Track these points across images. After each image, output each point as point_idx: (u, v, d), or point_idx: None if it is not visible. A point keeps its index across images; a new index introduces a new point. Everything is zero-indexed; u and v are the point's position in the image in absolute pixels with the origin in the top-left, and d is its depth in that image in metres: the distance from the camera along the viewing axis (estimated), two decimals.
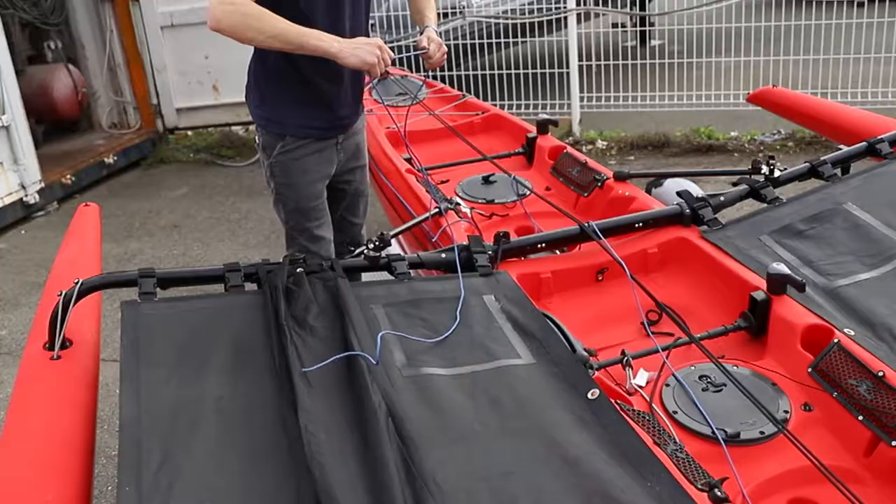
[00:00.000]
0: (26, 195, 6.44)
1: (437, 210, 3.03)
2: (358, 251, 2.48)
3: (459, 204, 3.09)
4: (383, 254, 2.33)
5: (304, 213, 2.86)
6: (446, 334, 1.98)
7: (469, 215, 3.06)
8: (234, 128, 7.83)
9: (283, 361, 1.80)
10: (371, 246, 2.34)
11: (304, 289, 2.04)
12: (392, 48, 2.65)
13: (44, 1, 7.49)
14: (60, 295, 2.03)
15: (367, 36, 2.70)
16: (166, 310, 1.99)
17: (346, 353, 1.83)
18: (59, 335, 1.98)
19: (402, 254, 2.38)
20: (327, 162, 2.82)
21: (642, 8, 7.89)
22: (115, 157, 7.42)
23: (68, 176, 6.90)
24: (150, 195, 6.87)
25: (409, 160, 3.70)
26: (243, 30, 2.39)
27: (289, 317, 1.94)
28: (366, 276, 2.39)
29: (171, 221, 6.18)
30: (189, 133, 8.11)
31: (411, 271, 2.30)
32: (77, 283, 2.06)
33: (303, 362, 1.79)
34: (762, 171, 2.80)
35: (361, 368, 1.77)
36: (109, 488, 3.18)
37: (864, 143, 2.93)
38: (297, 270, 2.11)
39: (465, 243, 2.42)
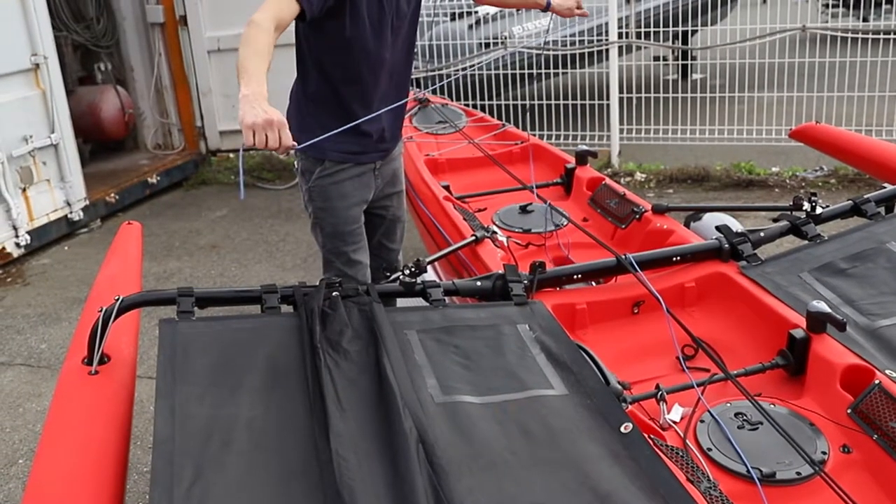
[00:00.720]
0: (71, 212, 6.56)
1: (473, 238, 3.03)
2: (394, 277, 2.50)
3: (496, 233, 3.10)
4: (419, 280, 2.34)
5: (341, 238, 2.89)
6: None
7: (505, 244, 3.07)
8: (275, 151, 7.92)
9: (316, 384, 1.81)
10: (407, 272, 2.36)
11: (340, 312, 2.05)
12: (434, 76, 2.68)
13: (96, 24, 7.68)
14: (101, 311, 2.05)
15: (409, 65, 2.71)
16: (203, 329, 2.01)
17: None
18: (98, 351, 2.00)
19: (438, 280, 2.38)
20: (365, 187, 2.84)
21: (684, 42, 7.88)
22: (159, 178, 7.54)
23: (112, 194, 7.02)
24: (190, 215, 6.96)
25: (447, 188, 3.72)
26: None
27: (323, 339, 1.95)
28: (401, 302, 2.39)
29: (210, 242, 6.25)
30: (231, 155, 8.22)
31: (446, 298, 2.31)
32: (117, 299, 2.08)
33: (335, 385, 1.80)
34: (804, 208, 2.77)
35: (394, 393, 1.77)
36: None
37: None
38: (333, 294, 2.12)
39: (500, 272, 2.42)
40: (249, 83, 2.22)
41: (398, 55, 2.73)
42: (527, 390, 1.88)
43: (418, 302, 2.31)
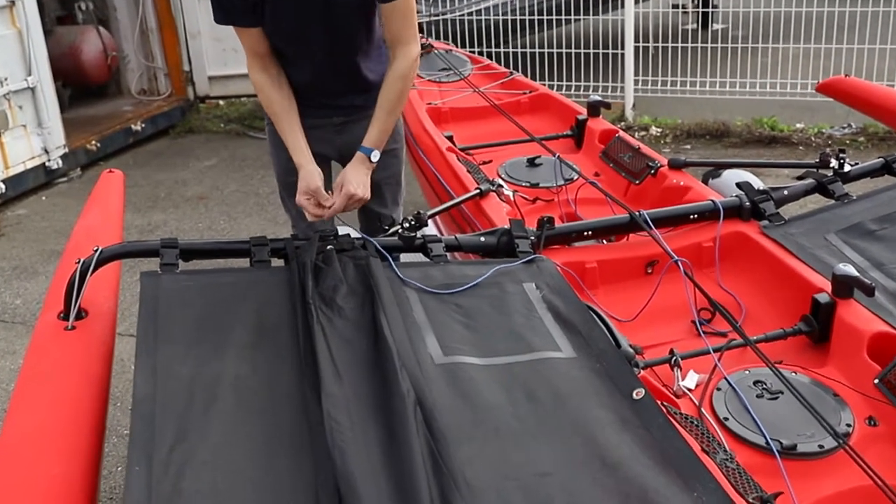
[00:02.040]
0: (49, 160, 6.51)
1: (477, 191, 3.02)
2: (392, 230, 2.50)
3: (502, 186, 3.09)
4: (419, 234, 2.34)
5: (285, 188, 2.94)
6: (465, 286, 2.10)
7: (512, 198, 3.06)
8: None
9: (308, 342, 1.80)
10: (406, 225, 2.35)
11: (334, 267, 2.05)
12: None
13: None
14: (78, 262, 2.04)
15: (354, 54, 2.71)
16: (187, 282, 2.00)
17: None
18: (75, 305, 1.98)
19: (440, 235, 2.37)
20: (318, 141, 2.83)
21: None
22: (143, 125, 7.49)
23: (93, 142, 6.97)
24: (176, 165, 6.92)
25: (450, 138, 3.69)
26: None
27: (316, 295, 1.94)
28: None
29: (197, 193, 6.22)
30: (221, 102, 8.16)
31: (448, 254, 2.30)
32: (96, 250, 2.06)
33: (329, 343, 1.79)
34: (831, 165, 2.75)
35: (391, 353, 1.76)
36: (119, 468, 3.21)
37: None
38: (328, 248, 2.12)
39: (506, 227, 2.42)
40: (298, 153, 2.70)
41: (338, 50, 2.70)
42: (532, 352, 1.88)
43: (419, 258, 2.31)
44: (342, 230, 2.29)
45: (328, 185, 2.79)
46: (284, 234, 2.36)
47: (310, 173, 2.63)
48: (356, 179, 2.63)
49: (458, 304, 2.05)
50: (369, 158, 2.65)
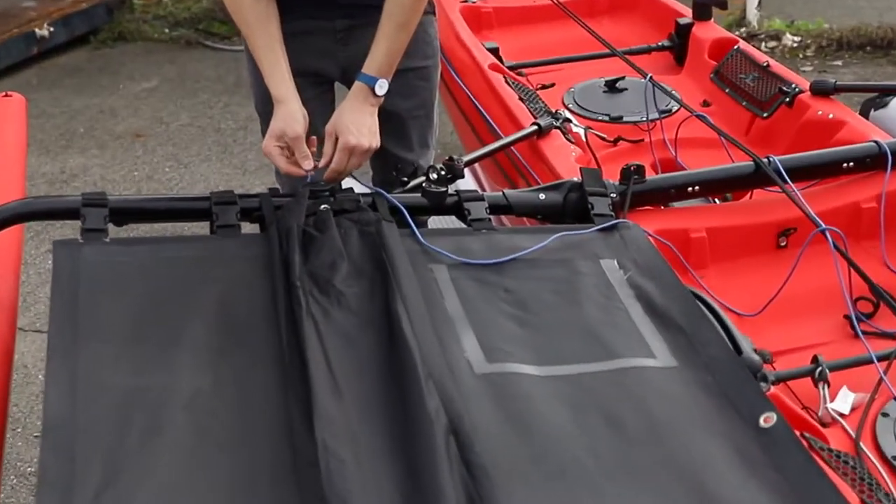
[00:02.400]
0: None
1: (534, 128, 3.02)
2: (413, 183, 2.52)
3: (570, 121, 3.08)
4: (451, 189, 2.35)
5: (264, 119, 2.93)
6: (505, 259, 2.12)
7: (583, 138, 3.06)
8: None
9: (294, 343, 1.81)
10: (435, 177, 2.36)
11: (331, 235, 2.08)
12: None
13: None
14: None
15: None
16: (121, 256, 2.03)
17: None
18: None
19: (480, 191, 2.38)
20: (313, 53, 2.82)
21: None
22: (52, 28, 7.49)
23: None
24: (102, 87, 6.95)
25: (494, 52, 3.69)
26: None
27: (306, 276, 1.96)
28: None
29: (132, 128, 6.26)
30: None
31: (492, 218, 2.32)
32: None
33: (324, 345, 1.81)
34: None
35: (412, 359, 1.77)
36: None
37: None
38: (322, 207, 2.15)
39: (575, 179, 2.43)
40: (271, 86, 2.68)
41: None
42: (614, 359, 1.89)
43: (451, 223, 2.34)
44: (344, 183, 2.29)
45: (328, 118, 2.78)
46: (258, 189, 2.39)
47: (289, 113, 2.57)
48: (356, 123, 2.57)
49: (507, 288, 2.07)
50: (373, 91, 2.62)
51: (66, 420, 1.64)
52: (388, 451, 1.63)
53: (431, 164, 2.48)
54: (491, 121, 3.37)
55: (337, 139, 2.54)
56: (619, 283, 2.10)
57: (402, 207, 2.24)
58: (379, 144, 2.61)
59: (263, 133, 2.96)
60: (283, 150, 2.54)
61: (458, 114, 3.87)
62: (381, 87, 2.61)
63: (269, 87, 2.65)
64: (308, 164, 2.48)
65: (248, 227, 2.24)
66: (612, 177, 2.51)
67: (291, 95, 2.62)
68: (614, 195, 2.44)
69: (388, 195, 2.26)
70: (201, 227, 2.22)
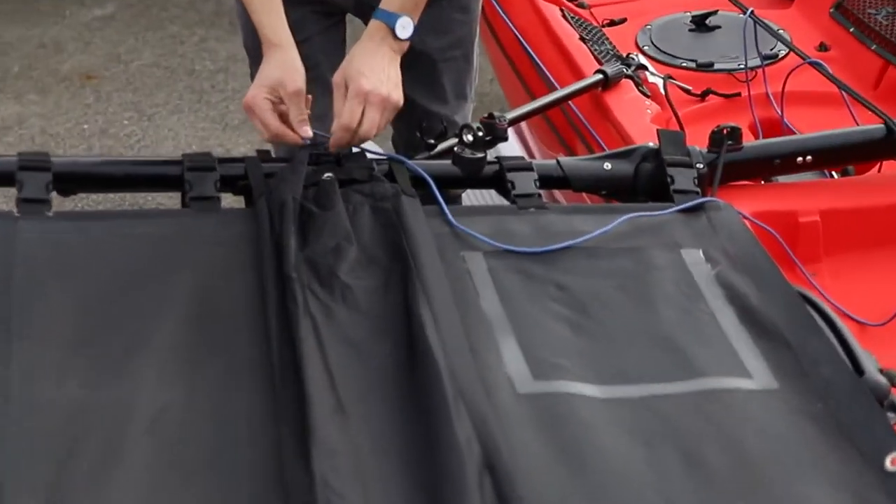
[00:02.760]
0: None
1: (599, 77, 3.05)
2: (443, 146, 2.55)
3: (645, 67, 3.12)
4: (491, 155, 2.36)
5: (256, 62, 2.93)
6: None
7: (662, 90, 3.08)
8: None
9: (287, 350, 1.82)
10: (470, 138, 2.37)
11: (336, 212, 2.10)
12: None
13: None
14: None
15: None
16: (68, 235, 2.05)
17: None
18: None
19: (528, 159, 2.40)
20: None
21: None
22: None
23: None
24: (42, 15, 6.94)
25: None
26: None
27: (303, 264, 1.98)
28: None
29: (81, 68, 6.27)
30: None
31: (542, 193, 2.34)
32: None
33: (324, 352, 1.82)
34: None
35: (437, 373, 1.78)
36: None
37: None
38: (325, 176, 2.18)
39: (651, 145, 2.44)
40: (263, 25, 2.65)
41: None
42: (697, 378, 1.89)
43: (490, 199, 2.37)
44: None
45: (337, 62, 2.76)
46: (242, 149, 2.40)
47: (288, 60, 2.53)
48: (372, 68, 2.52)
49: (560, 284, 2.08)
50: (393, 32, 2.61)
51: None
52: (405, 490, 1.63)
53: (468, 122, 2.45)
54: (543, 67, 3.37)
55: (348, 88, 2.49)
56: (706, 280, 2.10)
57: (427, 177, 2.25)
58: (402, 99, 2.56)
59: (253, 78, 2.97)
60: (274, 106, 2.49)
61: (500, 57, 3.85)
62: (404, 28, 2.57)
63: (258, 27, 2.63)
64: (307, 130, 2.44)
65: (230, 201, 2.26)
66: (698, 142, 2.50)
67: (285, 38, 2.61)
68: (701, 166, 2.42)
69: (410, 161, 2.27)
70: (170, 199, 2.22)
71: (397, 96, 2.54)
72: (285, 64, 2.53)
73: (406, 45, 2.61)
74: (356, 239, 2.06)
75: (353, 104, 2.46)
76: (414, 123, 2.87)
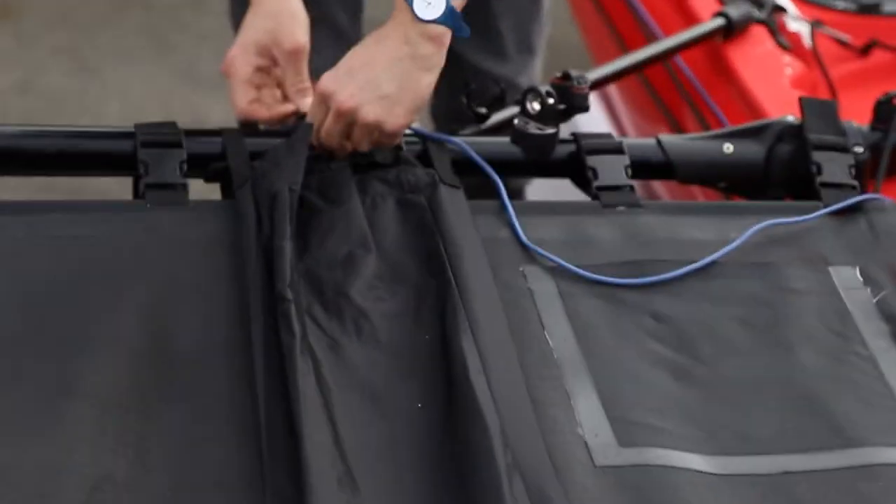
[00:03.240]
0: None
1: (720, 22, 3.06)
2: (499, 118, 2.55)
3: (782, 9, 3.14)
4: (566, 131, 2.38)
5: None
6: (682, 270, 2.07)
7: (807, 41, 3.09)
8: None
9: (277, 397, 1.82)
10: (536, 107, 2.37)
11: (350, 208, 2.10)
12: None
13: None
14: None
15: None
16: None
17: None
18: None
19: (617, 137, 2.42)
20: None
21: None
22: None
23: None
24: None
25: None
26: None
27: (302, 279, 1.98)
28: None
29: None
30: None
31: (634, 184, 2.35)
32: None
33: (329, 402, 1.82)
34: None
35: (485, 436, 1.78)
36: None
37: None
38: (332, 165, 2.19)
39: (790, 119, 2.45)
40: None
41: None
42: (854, 447, 1.89)
43: (561, 193, 2.37)
44: None
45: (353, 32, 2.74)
46: (218, 115, 2.40)
47: (286, 8, 2.49)
48: (368, 72, 2.34)
49: (657, 313, 2.09)
50: (412, 11, 2.49)
51: None
52: None
53: (534, 84, 2.44)
54: (640, 7, 3.38)
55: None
56: (864, 310, 2.11)
57: (479, 159, 2.26)
58: (409, 122, 2.41)
59: (236, 16, 3.00)
60: (262, 71, 2.47)
61: (588, 5, 3.88)
62: (429, 4, 2.36)
63: None
64: (304, 101, 2.42)
65: (200, 190, 2.26)
66: (857, 116, 2.50)
67: None
68: (861, 150, 2.43)
69: (454, 139, 2.29)
70: (117, 186, 2.21)
71: (397, 120, 2.33)
72: (282, 13, 2.50)
73: (436, 33, 2.35)
74: (376, 245, 2.07)
75: (332, 122, 2.36)
76: (460, 85, 2.78)
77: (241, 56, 2.45)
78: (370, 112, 2.27)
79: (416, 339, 1.95)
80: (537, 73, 2.99)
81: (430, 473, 1.77)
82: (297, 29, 2.45)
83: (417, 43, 2.32)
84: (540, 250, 2.13)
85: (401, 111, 2.29)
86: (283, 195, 2.07)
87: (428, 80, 2.34)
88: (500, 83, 2.79)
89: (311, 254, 2.04)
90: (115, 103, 5.44)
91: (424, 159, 2.25)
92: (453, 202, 2.14)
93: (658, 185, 2.63)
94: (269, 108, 2.43)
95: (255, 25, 2.47)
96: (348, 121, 2.30)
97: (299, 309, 1.92)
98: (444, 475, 1.77)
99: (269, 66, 2.44)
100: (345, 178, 2.15)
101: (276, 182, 2.10)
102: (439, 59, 2.33)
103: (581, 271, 2.09)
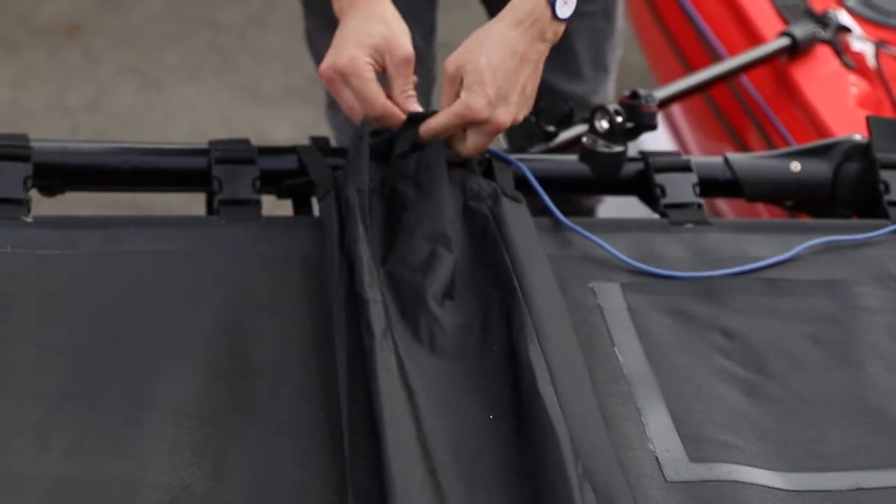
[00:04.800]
0: None
1: (785, 42, 3.05)
2: (567, 136, 2.53)
3: (847, 30, 3.11)
4: (633, 149, 2.38)
5: (313, 9, 3.01)
6: None
7: (872, 61, 3.07)
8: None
9: (359, 396, 1.80)
10: (604, 125, 2.36)
11: (439, 199, 2.09)
12: None
13: None
14: None
15: None
16: (53, 248, 2.04)
17: None
18: None
19: (685, 155, 2.42)
20: None
21: None
22: None
23: None
24: None
25: None
26: None
27: (385, 281, 1.97)
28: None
29: (62, 16, 6.31)
30: None
31: (702, 202, 2.33)
32: None
33: (412, 400, 1.80)
34: None
35: (556, 450, 1.74)
36: None
37: None
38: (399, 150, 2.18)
39: (857, 138, 2.43)
40: None
41: None
42: None
43: (627, 210, 2.36)
44: None
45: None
46: (283, 131, 2.38)
47: (391, 17, 2.43)
48: (508, 76, 2.30)
49: (727, 330, 2.07)
50: (552, 9, 2.45)
51: None
52: None
53: (602, 103, 2.42)
54: (705, 27, 3.37)
55: (461, 87, 2.33)
56: None
57: (529, 175, 2.23)
58: (528, 111, 2.39)
59: (312, 30, 3.01)
60: (366, 82, 2.36)
61: (646, 14, 3.87)
62: (565, 5, 2.33)
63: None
64: (412, 103, 2.36)
65: (269, 208, 2.24)
66: None
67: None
68: None
69: (512, 157, 2.28)
70: (181, 204, 2.19)
71: (524, 112, 2.37)
72: (392, 17, 2.45)
73: (562, 31, 2.38)
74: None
75: (450, 120, 2.33)
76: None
77: (361, 57, 2.37)
78: (505, 115, 2.27)
79: (486, 349, 1.94)
80: (611, 93, 2.98)
81: (503, 483, 1.75)
82: (407, 38, 2.43)
83: (550, 40, 2.33)
84: (637, 262, 2.13)
85: (524, 112, 2.32)
86: (353, 199, 2.07)
87: (539, 71, 2.35)
88: (573, 101, 2.79)
89: (396, 252, 2.05)
90: (180, 120, 5.45)
91: (487, 174, 2.25)
92: (517, 215, 2.13)
93: (722, 203, 2.58)
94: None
95: (368, 30, 2.40)
96: (491, 130, 2.29)
97: (381, 309, 1.92)
98: (517, 485, 1.75)
99: (378, 70, 2.39)
100: (437, 163, 2.16)
101: (346, 187, 2.11)
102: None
103: (645, 268, 2.11)
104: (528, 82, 2.34)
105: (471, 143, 2.30)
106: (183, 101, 5.62)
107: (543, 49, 2.35)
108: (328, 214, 2.09)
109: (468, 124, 2.28)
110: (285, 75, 5.69)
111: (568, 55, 2.89)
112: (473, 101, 2.26)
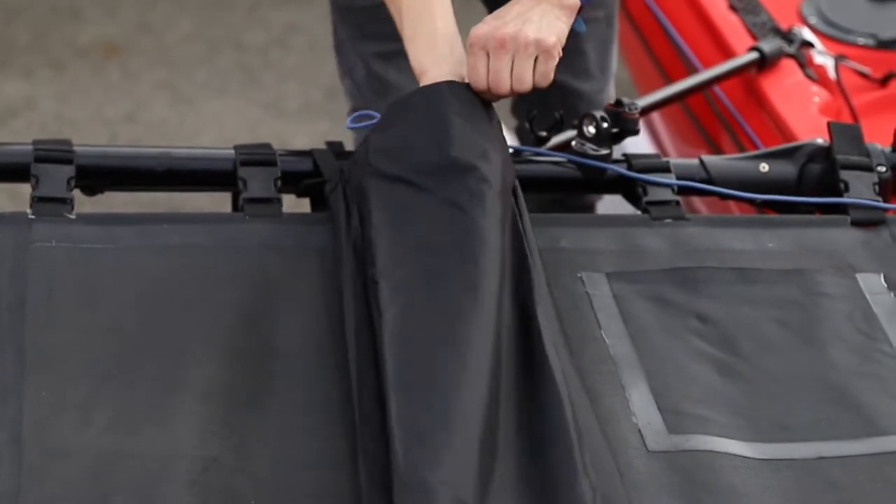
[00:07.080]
0: None
1: (754, 56, 3.06)
2: (558, 140, 2.53)
3: (810, 45, 3.11)
4: (618, 152, 2.38)
5: (348, 16, 2.97)
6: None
7: (833, 73, 3.08)
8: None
9: (369, 369, 1.82)
10: (591, 130, 2.36)
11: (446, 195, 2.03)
12: None
13: None
14: None
15: None
16: (94, 242, 2.06)
17: None
18: None
19: (664, 158, 2.42)
20: None
21: None
22: None
23: None
24: None
25: None
26: None
27: (381, 286, 1.93)
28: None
29: (102, 38, 6.30)
30: None
31: (680, 200, 2.35)
32: None
33: None
34: None
35: (558, 397, 1.78)
36: None
37: None
38: None
39: (819, 142, 2.45)
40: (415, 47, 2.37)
41: None
42: (879, 436, 1.89)
43: (616, 207, 2.38)
44: None
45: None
46: (302, 139, 2.39)
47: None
48: (520, 14, 2.28)
49: (702, 315, 2.09)
50: None
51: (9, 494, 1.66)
52: None
53: (587, 112, 2.41)
54: (682, 42, 3.37)
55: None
56: (888, 313, 2.11)
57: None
58: (559, 44, 2.32)
59: (345, 40, 2.94)
60: None
61: (627, 30, 3.81)
62: None
63: (410, 50, 2.36)
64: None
65: (290, 206, 2.26)
66: (879, 139, 2.49)
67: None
68: (883, 169, 2.42)
69: (525, 148, 2.33)
70: (211, 205, 2.20)
71: (551, 39, 2.27)
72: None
73: (578, 5, 2.33)
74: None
75: (497, 58, 2.26)
76: (552, 104, 2.73)
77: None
78: (529, 31, 2.22)
79: (475, 329, 1.87)
80: (612, 91, 2.98)
81: (512, 444, 1.77)
82: None
83: (569, 6, 2.29)
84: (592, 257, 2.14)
85: (554, 32, 2.24)
86: (368, 192, 2.07)
87: (564, 30, 2.29)
88: (584, 98, 2.84)
89: (403, 237, 2.01)
90: (209, 132, 5.45)
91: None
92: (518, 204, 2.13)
93: (697, 201, 2.60)
94: None
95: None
96: (511, 50, 2.22)
97: (381, 301, 1.90)
98: (522, 445, 1.77)
99: None
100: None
101: (356, 177, 2.11)
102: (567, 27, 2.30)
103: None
104: (542, 19, 2.27)
105: (520, 72, 2.23)
106: (212, 114, 5.62)
107: (556, 12, 2.29)
108: (337, 205, 2.10)
109: (499, 48, 2.21)
110: (304, 91, 5.68)
111: (579, 57, 2.90)
112: (491, 21, 2.25)
